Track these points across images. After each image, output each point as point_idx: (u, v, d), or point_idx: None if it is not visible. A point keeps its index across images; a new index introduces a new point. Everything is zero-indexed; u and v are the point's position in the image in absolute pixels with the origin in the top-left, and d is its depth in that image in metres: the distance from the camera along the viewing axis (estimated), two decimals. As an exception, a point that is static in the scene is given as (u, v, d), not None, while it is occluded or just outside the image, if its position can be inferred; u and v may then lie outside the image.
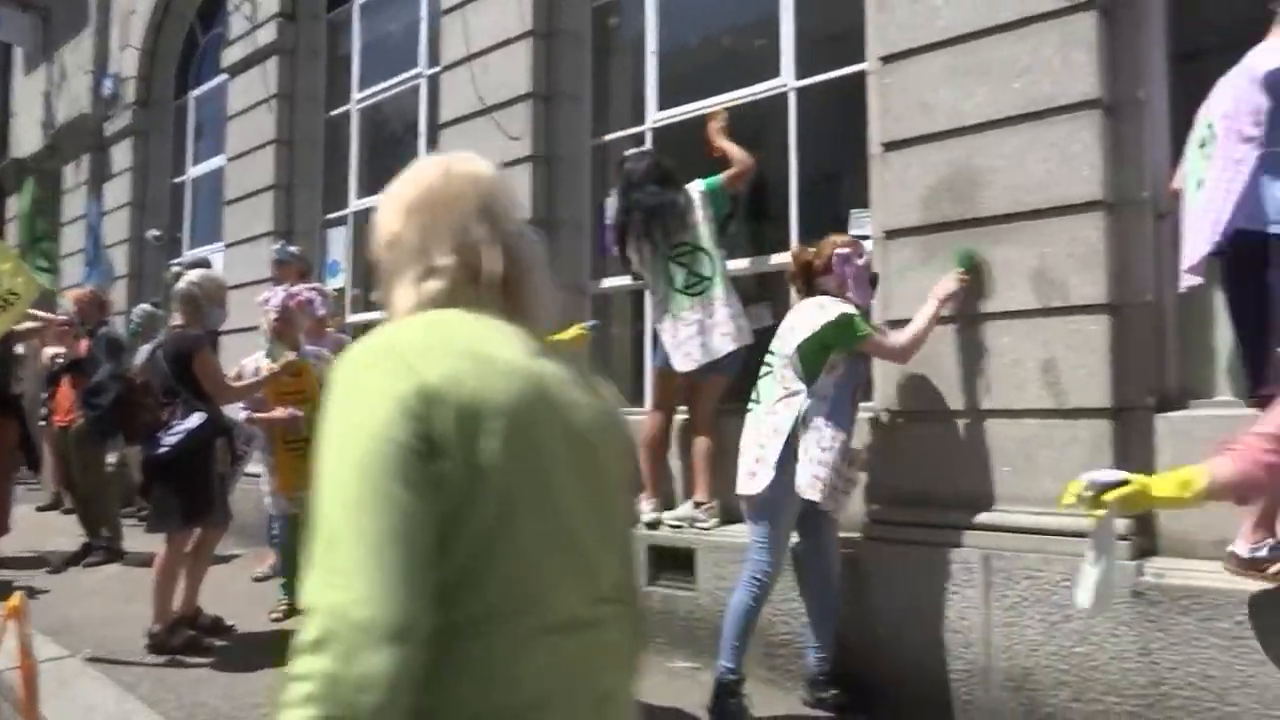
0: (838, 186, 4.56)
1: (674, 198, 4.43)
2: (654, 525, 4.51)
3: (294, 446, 4.90)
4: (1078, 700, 3.26)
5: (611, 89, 5.78)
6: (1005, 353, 3.60)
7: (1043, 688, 3.33)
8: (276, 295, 5.26)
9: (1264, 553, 2.95)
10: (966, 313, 3.71)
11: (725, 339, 4.32)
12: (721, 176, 4.51)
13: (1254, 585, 2.96)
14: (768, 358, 3.73)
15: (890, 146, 4.00)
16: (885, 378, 3.96)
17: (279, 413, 4.89)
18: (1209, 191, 3.01)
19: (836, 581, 3.75)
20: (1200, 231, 3.01)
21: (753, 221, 5.00)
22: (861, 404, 3.81)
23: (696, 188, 4.49)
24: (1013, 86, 3.65)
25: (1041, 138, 3.57)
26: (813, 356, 3.52)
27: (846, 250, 3.68)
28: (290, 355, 4.93)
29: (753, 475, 3.56)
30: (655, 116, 5.32)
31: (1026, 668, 3.38)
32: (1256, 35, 3.07)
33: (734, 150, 4.54)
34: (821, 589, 3.74)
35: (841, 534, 3.84)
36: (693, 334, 4.36)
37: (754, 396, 3.73)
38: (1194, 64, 3.40)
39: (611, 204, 4.92)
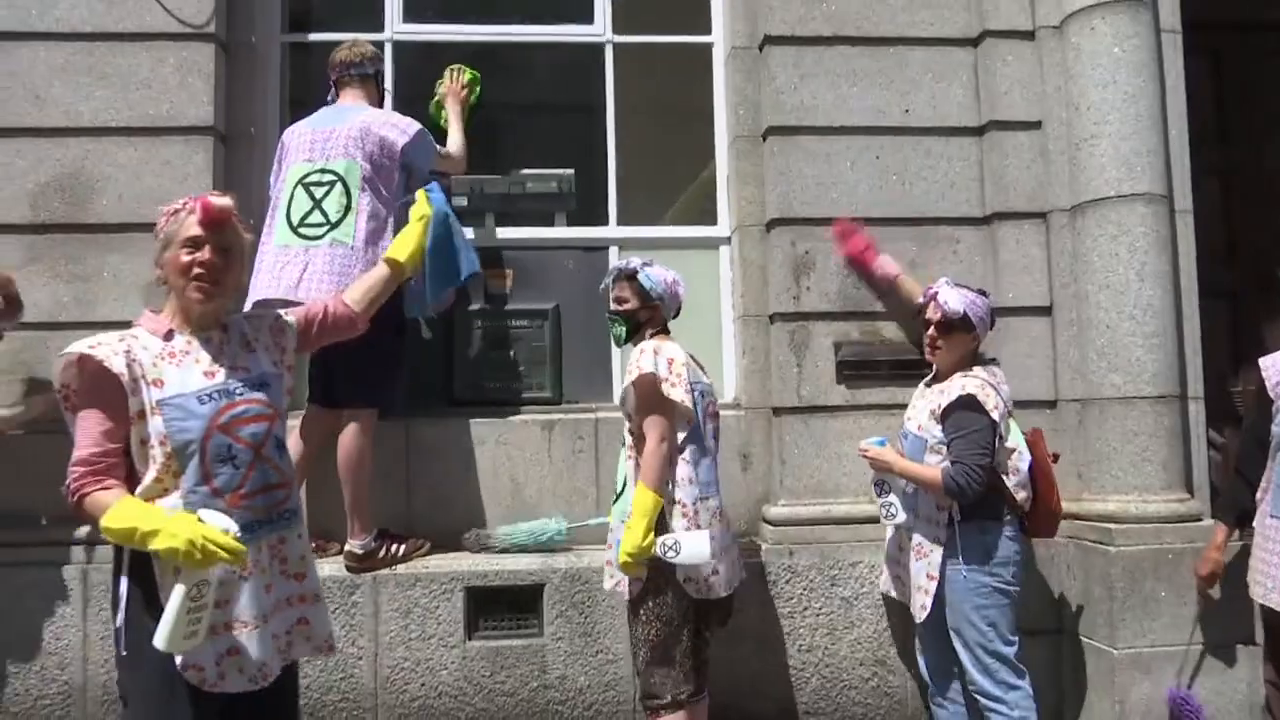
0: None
1: None
2: None
3: None
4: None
5: None
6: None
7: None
8: None
9: (372, 545, 3.47)
10: (78, 320, 3.57)
11: None
12: None
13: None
14: None
15: (-4, 133, 3.68)
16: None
17: None
18: (364, 239, 3.37)
19: None
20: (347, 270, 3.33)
21: None
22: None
23: None
24: (132, 98, 3.66)
25: (158, 153, 3.65)
26: None
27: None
28: None
29: None
30: None
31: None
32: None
33: None
34: None
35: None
36: None
37: None
38: (302, 107, 3.83)
39: None
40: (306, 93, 3.96)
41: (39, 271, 3.60)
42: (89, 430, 2.02)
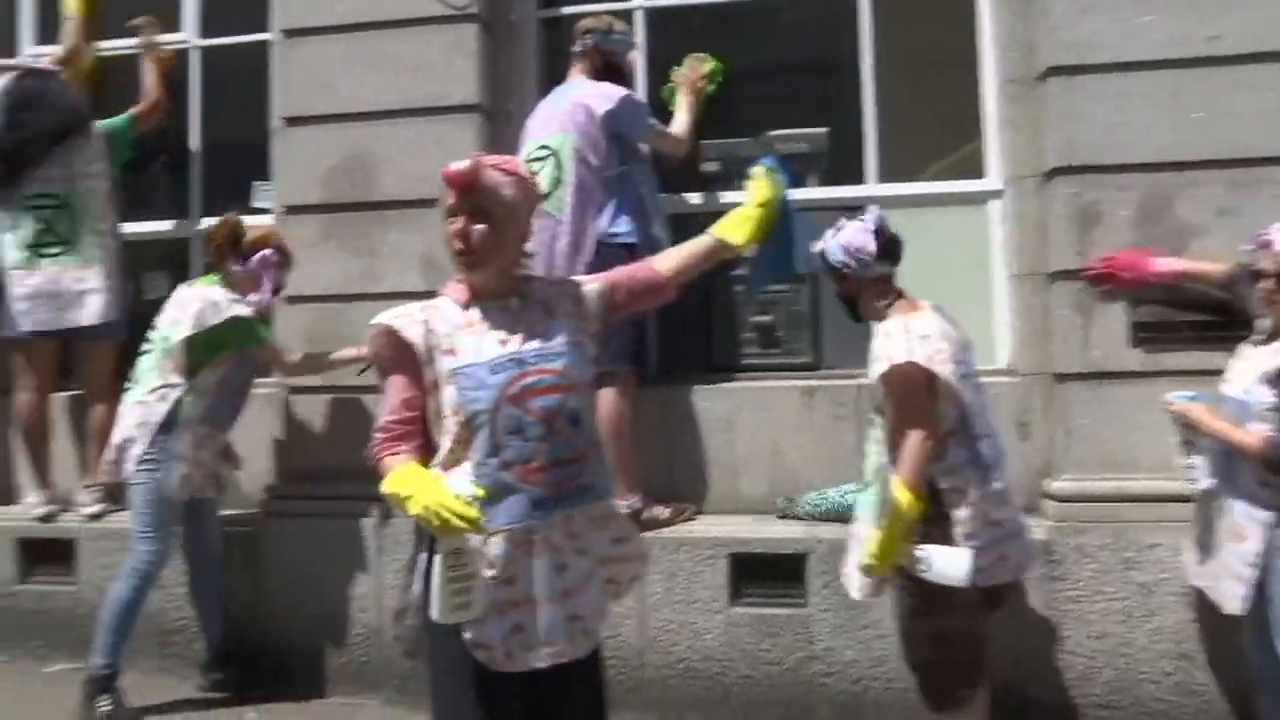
0: (242, 155, 4.42)
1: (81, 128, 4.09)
2: (49, 519, 4.13)
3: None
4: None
5: None
6: (395, 332, 3.82)
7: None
8: None
9: (639, 506, 3.52)
10: (363, 292, 3.86)
11: (90, 309, 4.05)
12: (131, 113, 4.23)
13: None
14: (151, 334, 3.59)
15: (292, 122, 4.00)
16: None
17: None
18: (572, 211, 3.49)
19: (219, 564, 3.76)
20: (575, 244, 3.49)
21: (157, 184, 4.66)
22: (260, 381, 3.80)
23: (96, 129, 4.14)
24: (404, 81, 3.88)
25: (430, 133, 3.85)
26: (200, 352, 3.47)
27: (275, 257, 3.65)
28: None
29: (116, 463, 3.47)
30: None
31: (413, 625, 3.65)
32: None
33: (154, 81, 4.33)
34: (205, 573, 3.74)
35: (239, 512, 3.88)
36: (32, 295, 4.05)
37: (132, 377, 3.59)
38: (556, 84, 3.90)
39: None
40: (560, 69, 4.03)
41: (330, 248, 3.90)
42: (391, 397, 2.08)
